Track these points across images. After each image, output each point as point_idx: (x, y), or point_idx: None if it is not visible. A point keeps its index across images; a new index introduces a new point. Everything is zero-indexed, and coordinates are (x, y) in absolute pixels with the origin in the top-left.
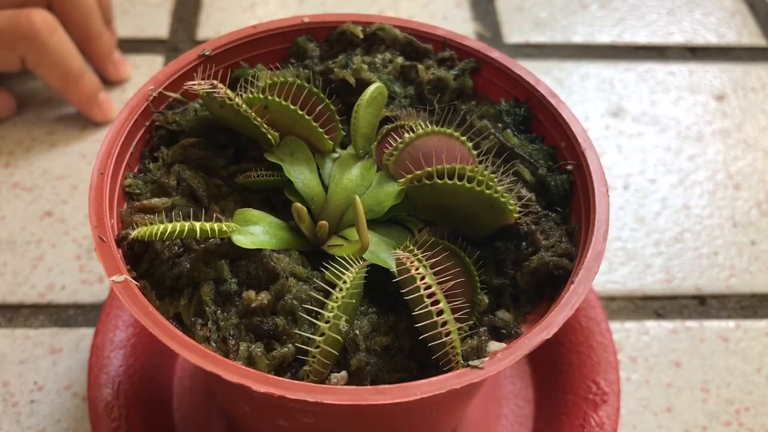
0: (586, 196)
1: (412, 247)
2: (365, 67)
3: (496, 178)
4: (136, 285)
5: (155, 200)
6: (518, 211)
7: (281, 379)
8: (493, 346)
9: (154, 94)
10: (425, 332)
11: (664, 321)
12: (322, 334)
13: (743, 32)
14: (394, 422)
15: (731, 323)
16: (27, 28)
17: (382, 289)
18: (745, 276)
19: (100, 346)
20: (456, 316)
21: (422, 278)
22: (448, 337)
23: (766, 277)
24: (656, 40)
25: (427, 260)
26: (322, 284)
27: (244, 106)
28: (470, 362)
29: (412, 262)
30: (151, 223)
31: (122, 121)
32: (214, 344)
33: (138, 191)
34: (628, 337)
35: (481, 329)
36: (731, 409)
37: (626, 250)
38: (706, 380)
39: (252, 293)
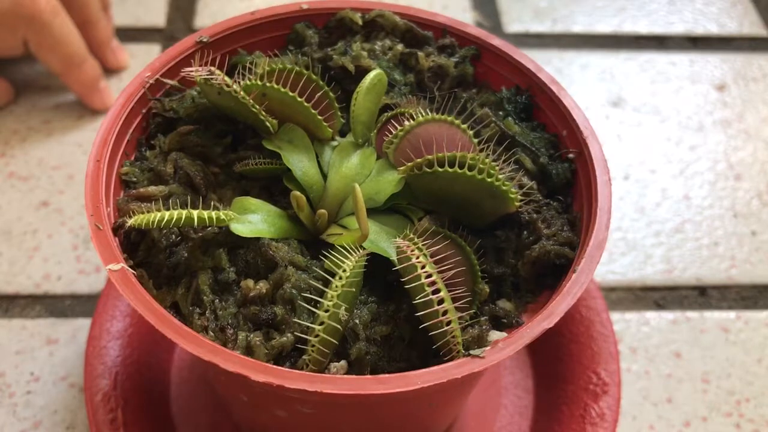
0: (587, 185)
1: (412, 236)
2: (364, 54)
3: (497, 166)
4: (133, 274)
5: (152, 188)
6: (519, 199)
7: (280, 368)
8: (494, 335)
9: (151, 81)
10: (426, 321)
11: (665, 312)
12: (322, 323)
13: (744, 22)
14: (394, 412)
15: (732, 314)
16: (30, 9)
17: (382, 278)
18: (745, 266)
19: (97, 336)
20: (457, 305)
21: (423, 267)
22: (449, 326)
23: (766, 267)
24: (657, 29)
25: (427, 249)
26: (322, 273)
27: (242, 93)
28: (471, 351)
29: (412, 251)
30: (148, 212)
31: (119, 108)
32: (212, 333)
33: (135, 179)
34: (629, 327)
35: (482, 318)
36: (731, 399)
37: (626, 241)
38: (706, 371)
39: (250, 282)
